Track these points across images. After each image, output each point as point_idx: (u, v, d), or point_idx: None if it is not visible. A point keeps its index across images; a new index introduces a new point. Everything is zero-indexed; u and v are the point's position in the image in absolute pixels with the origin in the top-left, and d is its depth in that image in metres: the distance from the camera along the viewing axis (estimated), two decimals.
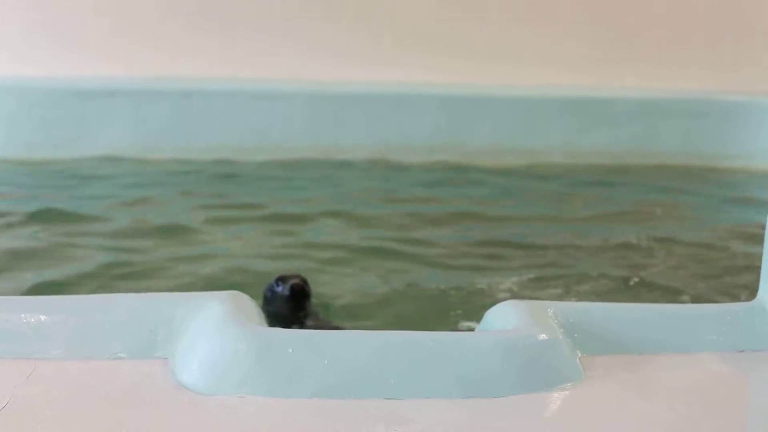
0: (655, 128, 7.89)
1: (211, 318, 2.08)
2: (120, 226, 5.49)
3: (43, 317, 2.13)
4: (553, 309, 2.24)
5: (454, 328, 3.89)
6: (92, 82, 7.66)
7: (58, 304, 2.25)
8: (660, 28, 8.74)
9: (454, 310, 4.15)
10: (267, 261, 4.90)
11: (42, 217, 5.64)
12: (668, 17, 8.74)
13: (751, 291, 2.44)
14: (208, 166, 7.22)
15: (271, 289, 4.01)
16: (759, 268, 2.40)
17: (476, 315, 3.66)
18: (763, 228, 2.37)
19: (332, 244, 5.26)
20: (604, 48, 8.68)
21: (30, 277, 4.48)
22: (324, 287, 4.44)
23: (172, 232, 5.44)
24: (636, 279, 4.68)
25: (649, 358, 2.19)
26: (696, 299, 4.34)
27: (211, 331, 2.04)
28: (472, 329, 3.32)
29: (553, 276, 4.68)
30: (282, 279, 4.02)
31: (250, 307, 2.20)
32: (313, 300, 4.08)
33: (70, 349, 2.09)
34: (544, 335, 2.09)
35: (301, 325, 3.85)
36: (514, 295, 4.25)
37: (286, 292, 3.96)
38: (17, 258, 4.86)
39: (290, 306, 3.95)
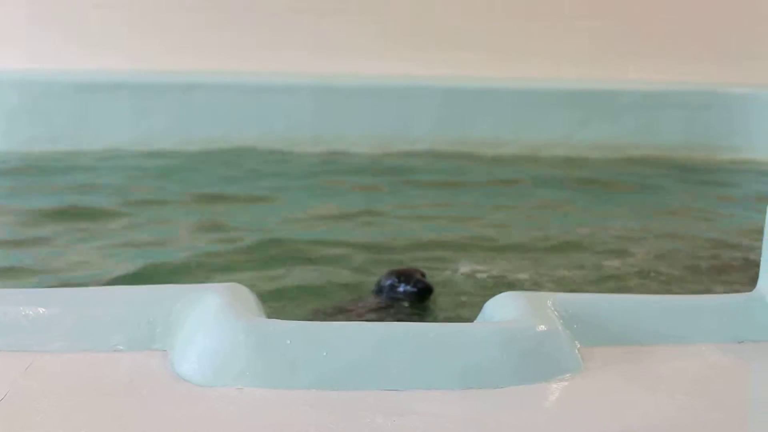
0: (658, 120, 7.88)
1: (210, 310, 2.08)
2: (121, 219, 5.49)
3: (41, 310, 2.13)
4: (552, 300, 2.25)
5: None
6: (95, 75, 7.66)
7: (57, 296, 2.25)
8: (662, 20, 8.73)
9: (451, 301, 4.14)
10: (273, 252, 4.88)
11: (45, 209, 5.65)
12: (670, 10, 8.73)
13: (751, 283, 2.44)
14: (212, 158, 7.22)
15: (392, 286, 3.88)
16: (759, 260, 2.40)
17: (474, 306, 3.67)
18: (764, 220, 2.37)
19: (334, 239, 5.24)
20: (607, 41, 8.67)
21: (29, 272, 4.48)
22: (328, 280, 4.42)
23: (175, 223, 5.44)
24: (636, 270, 4.67)
25: (648, 349, 2.19)
26: (695, 291, 4.33)
27: (209, 323, 2.04)
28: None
29: (552, 267, 4.68)
30: (403, 275, 3.90)
31: (248, 299, 2.20)
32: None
33: (69, 341, 2.09)
34: (543, 326, 2.09)
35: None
36: (513, 286, 4.24)
37: (413, 289, 3.84)
38: (19, 250, 4.85)
39: (413, 304, 3.84)
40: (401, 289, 3.87)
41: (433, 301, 4.04)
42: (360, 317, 3.75)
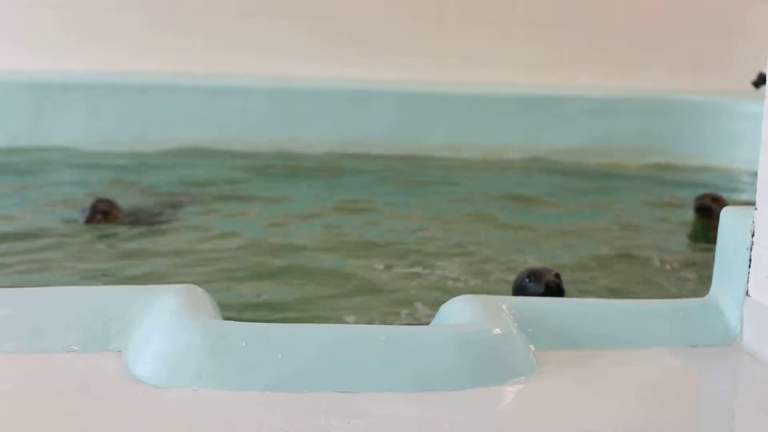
0: (612, 127, 7.92)
1: (165, 311, 2.07)
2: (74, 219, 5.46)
3: None
4: (506, 304, 2.26)
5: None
6: (48, 76, 7.62)
7: (11, 296, 2.23)
8: (615, 28, 8.79)
9: (407, 304, 4.14)
10: (227, 258, 4.85)
11: None
12: (623, 18, 8.79)
13: (704, 287, 2.46)
14: (166, 159, 7.18)
15: (522, 285, 3.82)
16: (711, 264, 2.42)
17: (425, 309, 3.70)
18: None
19: (288, 242, 5.23)
20: (562, 48, 8.70)
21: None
22: (285, 288, 4.40)
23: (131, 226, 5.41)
24: (589, 275, 4.69)
25: (601, 352, 2.21)
26: (647, 296, 4.36)
27: (164, 324, 2.03)
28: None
29: (507, 271, 4.69)
30: (535, 275, 3.83)
31: (204, 301, 2.19)
32: None
33: (23, 342, 2.07)
34: (497, 330, 2.10)
35: None
36: (468, 290, 4.25)
37: (541, 289, 3.76)
38: None
39: None
40: (530, 287, 3.80)
41: None
42: None
